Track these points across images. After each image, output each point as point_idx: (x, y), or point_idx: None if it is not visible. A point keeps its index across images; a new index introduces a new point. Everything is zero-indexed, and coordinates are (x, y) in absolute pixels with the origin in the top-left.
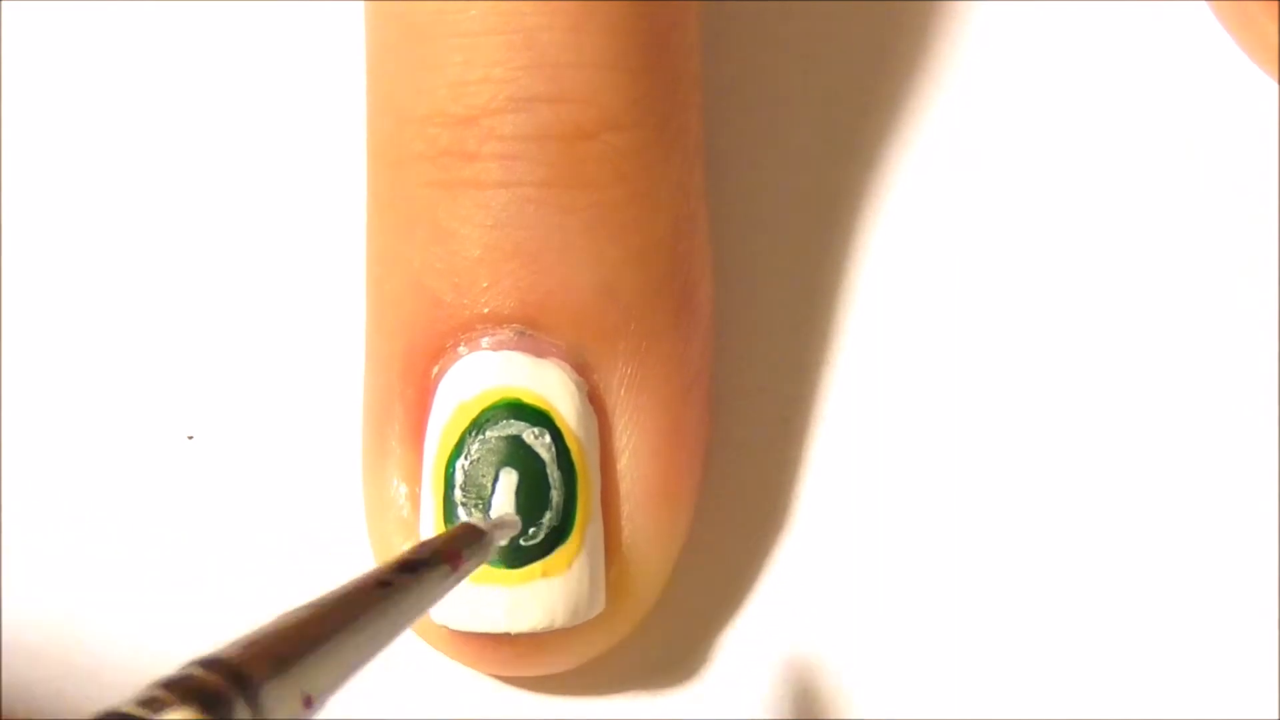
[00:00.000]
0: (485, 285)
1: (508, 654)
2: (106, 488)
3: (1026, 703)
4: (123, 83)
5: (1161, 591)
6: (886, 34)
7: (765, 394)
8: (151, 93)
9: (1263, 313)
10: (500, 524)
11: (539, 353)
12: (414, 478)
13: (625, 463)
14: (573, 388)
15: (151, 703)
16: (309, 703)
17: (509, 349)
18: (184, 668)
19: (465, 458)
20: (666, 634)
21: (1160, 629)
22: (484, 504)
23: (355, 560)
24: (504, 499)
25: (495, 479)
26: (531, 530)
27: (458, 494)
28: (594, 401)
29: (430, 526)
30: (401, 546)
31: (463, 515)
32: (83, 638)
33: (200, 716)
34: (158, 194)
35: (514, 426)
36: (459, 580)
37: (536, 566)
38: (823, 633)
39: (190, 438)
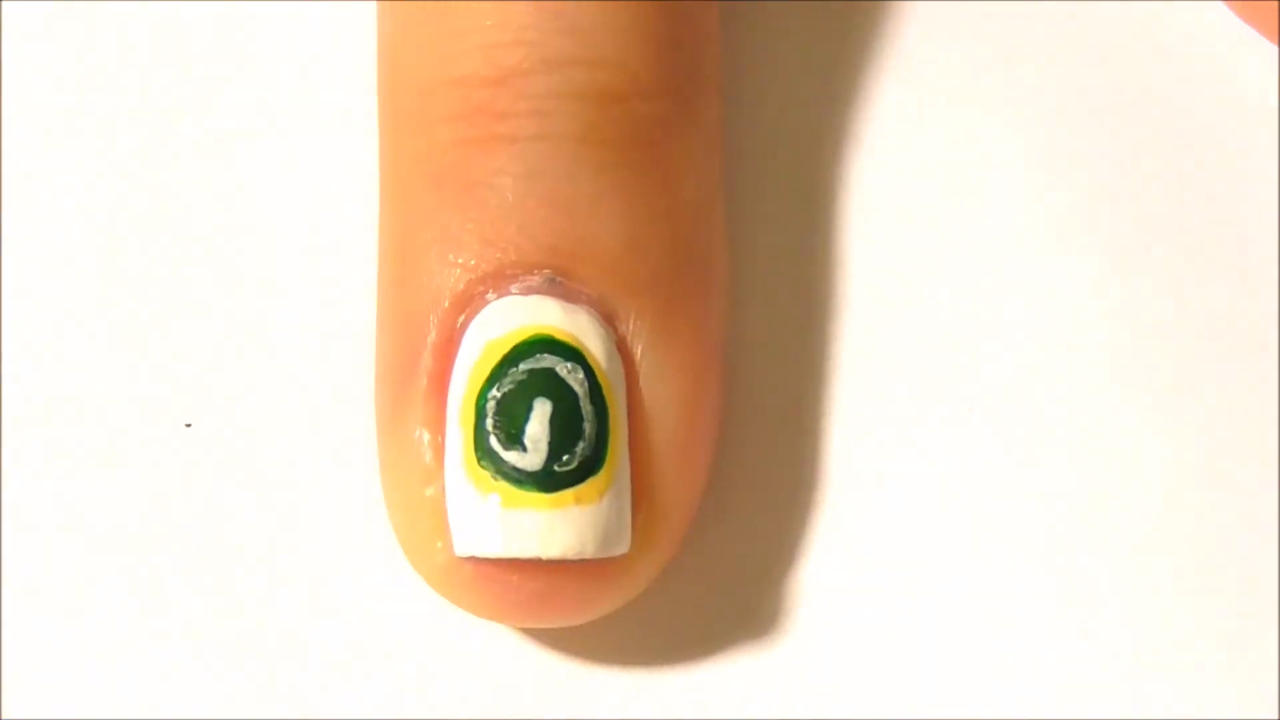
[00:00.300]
0: (516, 231)
1: (530, 595)
2: (106, 475)
3: (1051, 670)
4: (121, 72)
5: (1163, 590)
6: (893, 30)
7: (771, 381)
8: (150, 82)
9: (1263, 312)
10: None
11: (569, 298)
12: (437, 424)
13: (649, 413)
14: (603, 332)
15: None
16: None
17: (539, 293)
18: None
19: (498, 388)
20: (680, 606)
21: (1161, 628)
22: (518, 433)
23: (362, 534)
24: (538, 427)
25: (529, 408)
26: (565, 457)
27: (489, 423)
28: (620, 351)
29: (458, 465)
30: (425, 493)
31: (494, 444)
32: (84, 632)
33: None
34: (153, 177)
35: (547, 360)
36: None
37: (569, 493)
38: (833, 620)
39: (188, 425)
